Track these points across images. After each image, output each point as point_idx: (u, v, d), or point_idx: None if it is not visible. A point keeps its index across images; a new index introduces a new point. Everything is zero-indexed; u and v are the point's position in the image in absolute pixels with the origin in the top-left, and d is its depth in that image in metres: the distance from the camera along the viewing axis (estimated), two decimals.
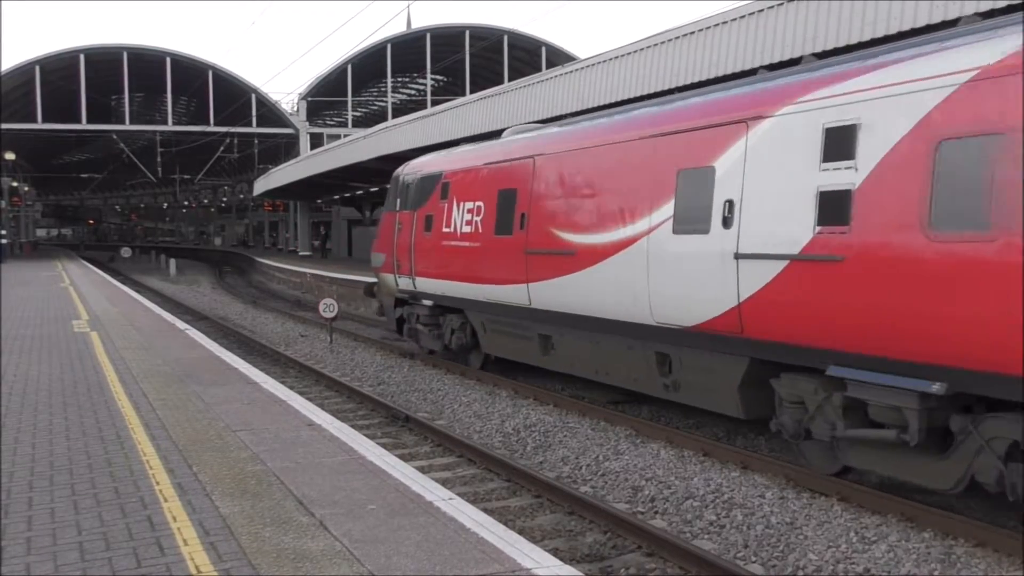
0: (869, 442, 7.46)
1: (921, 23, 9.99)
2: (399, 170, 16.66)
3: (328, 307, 18.92)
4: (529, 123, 15.68)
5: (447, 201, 14.10)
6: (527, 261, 11.67)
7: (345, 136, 41.45)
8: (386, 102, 60.98)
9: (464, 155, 14.42)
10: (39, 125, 50.01)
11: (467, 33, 53.86)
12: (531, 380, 13.55)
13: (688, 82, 13.86)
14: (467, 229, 13.32)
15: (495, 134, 21.92)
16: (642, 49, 15.17)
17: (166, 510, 5.53)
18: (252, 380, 10.46)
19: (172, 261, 48.79)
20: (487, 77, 50.62)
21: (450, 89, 56.17)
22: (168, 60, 52.31)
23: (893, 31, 10.34)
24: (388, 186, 17.62)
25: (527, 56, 54.53)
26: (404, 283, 15.73)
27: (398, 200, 16.26)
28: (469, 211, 13.33)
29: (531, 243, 11.60)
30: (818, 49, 11.44)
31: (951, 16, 9.64)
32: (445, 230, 14.03)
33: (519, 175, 12.11)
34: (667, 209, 9.23)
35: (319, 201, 56.11)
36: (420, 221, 15.05)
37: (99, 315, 18.50)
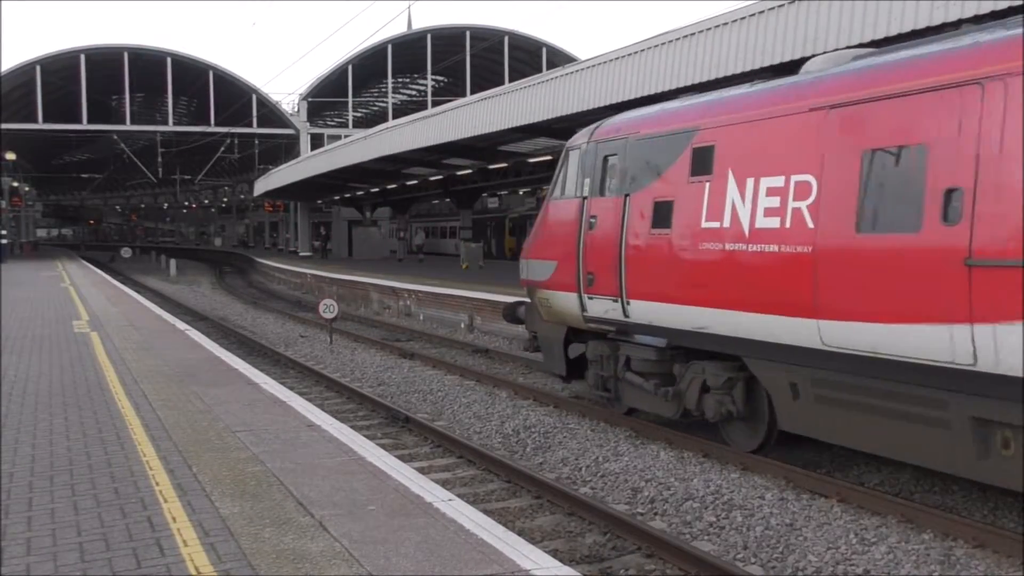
0: None
1: (922, 24, 10.01)
2: (582, 135, 11.16)
3: (328, 308, 18.93)
4: (846, 48, 9.77)
5: (709, 177, 8.71)
6: (972, 281, 6.34)
7: (346, 137, 41.45)
8: (387, 103, 61.02)
9: (750, 96, 8.75)
10: (39, 125, 50.05)
11: (468, 34, 53.91)
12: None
13: (690, 83, 13.88)
14: (768, 223, 7.95)
15: (497, 134, 22.01)
16: (643, 50, 15.18)
17: (166, 511, 5.53)
18: (252, 381, 10.46)
19: (172, 261, 48.79)
20: (488, 78, 50.62)
21: (451, 90, 56.19)
22: (169, 60, 52.36)
23: (893, 32, 10.36)
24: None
25: (528, 57, 54.57)
26: (600, 307, 10.29)
27: (586, 181, 10.78)
28: (773, 191, 7.96)
29: (987, 246, 6.25)
30: (818, 51, 11.45)
31: (951, 18, 9.65)
32: (707, 225, 8.65)
33: (934, 119, 6.76)
34: None
35: (319, 202, 56.13)
36: (639, 212, 9.70)
37: (99, 315, 18.50)
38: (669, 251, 9.27)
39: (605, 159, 10.46)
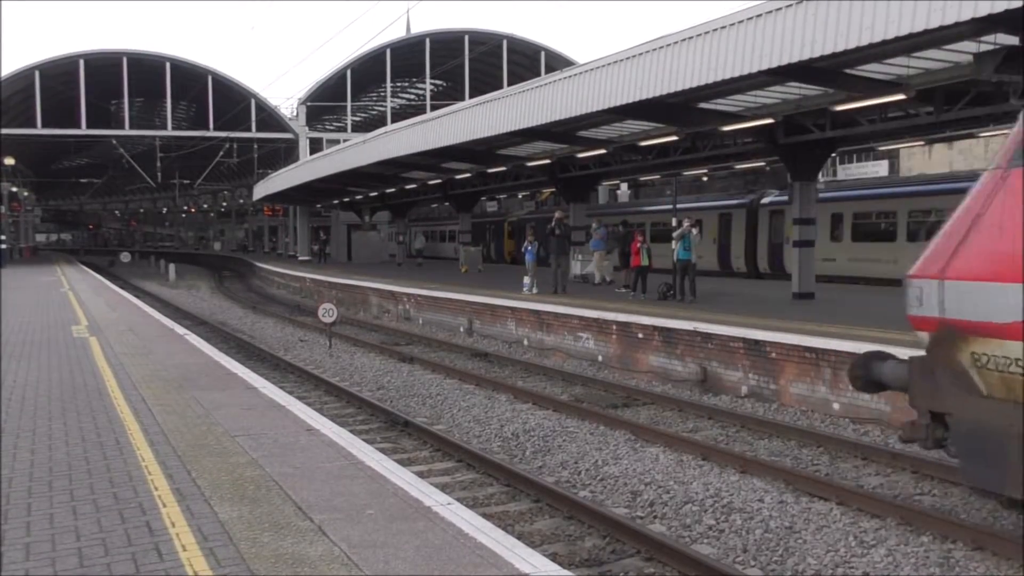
0: None
1: (919, 27, 10.02)
2: None
3: (327, 312, 18.93)
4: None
5: None
6: None
7: (344, 141, 41.46)
8: (385, 107, 60.99)
9: None
10: (39, 130, 49.97)
11: (466, 38, 53.89)
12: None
13: (688, 86, 13.89)
14: None
15: (496, 138, 22.01)
16: (641, 54, 15.19)
17: (165, 516, 5.53)
18: (251, 385, 10.46)
19: (171, 266, 48.76)
20: (486, 82, 50.62)
21: (449, 94, 56.18)
22: (168, 65, 52.29)
23: (891, 36, 10.38)
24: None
25: (526, 61, 54.55)
26: None
27: None
28: None
29: None
30: (815, 54, 11.48)
31: (948, 21, 9.67)
32: None
33: None
34: None
35: (318, 206, 56.13)
36: None
37: (98, 320, 18.48)
38: None
39: None
